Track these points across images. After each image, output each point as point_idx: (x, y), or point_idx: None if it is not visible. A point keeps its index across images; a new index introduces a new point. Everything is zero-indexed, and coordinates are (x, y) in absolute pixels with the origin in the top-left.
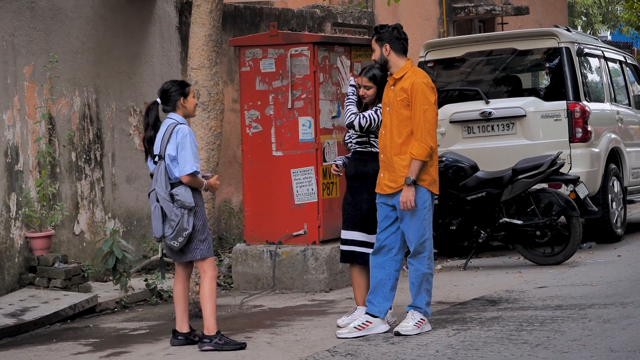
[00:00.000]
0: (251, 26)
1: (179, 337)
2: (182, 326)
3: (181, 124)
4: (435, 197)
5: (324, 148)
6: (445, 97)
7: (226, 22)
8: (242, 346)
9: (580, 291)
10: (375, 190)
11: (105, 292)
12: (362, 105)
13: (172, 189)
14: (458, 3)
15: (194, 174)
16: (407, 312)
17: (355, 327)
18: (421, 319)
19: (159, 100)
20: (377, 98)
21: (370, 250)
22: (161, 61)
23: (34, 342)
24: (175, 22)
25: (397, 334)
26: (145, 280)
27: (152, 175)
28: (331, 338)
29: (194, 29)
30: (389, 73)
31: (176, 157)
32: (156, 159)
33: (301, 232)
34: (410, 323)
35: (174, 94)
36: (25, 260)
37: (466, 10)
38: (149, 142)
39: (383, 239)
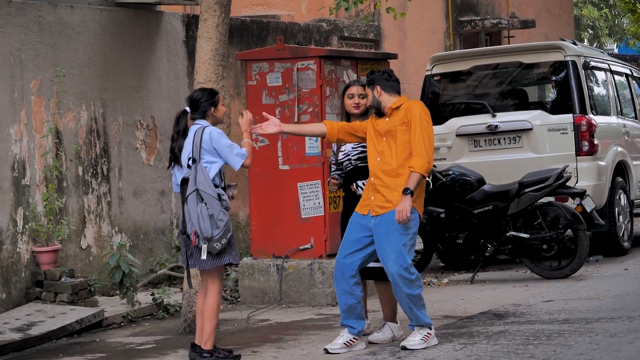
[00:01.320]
0: (258, 40)
1: (197, 350)
2: (201, 340)
3: (208, 127)
4: (440, 213)
5: (331, 162)
6: (451, 111)
7: (233, 36)
8: (237, 358)
9: (587, 305)
10: (357, 210)
11: (112, 306)
12: (361, 114)
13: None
14: (464, 16)
15: (245, 153)
16: (411, 329)
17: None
18: (428, 333)
19: (188, 108)
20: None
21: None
22: (168, 75)
23: (40, 356)
24: (182, 36)
25: (404, 348)
26: (152, 294)
27: (185, 181)
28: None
29: (200, 43)
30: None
31: (213, 158)
32: (190, 162)
33: (308, 246)
34: (417, 337)
35: (204, 104)
36: (32, 274)
37: (472, 23)
38: (179, 150)
39: (348, 263)
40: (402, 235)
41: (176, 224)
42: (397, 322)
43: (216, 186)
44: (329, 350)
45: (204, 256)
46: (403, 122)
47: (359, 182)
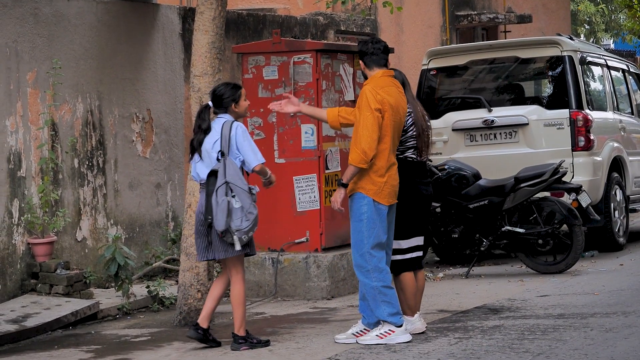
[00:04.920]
0: (254, 33)
1: (199, 331)
2: (205, 322)
3: (235, 121)
4: (436, 207)
5: (327, 155)
6: (447, 105)
7: (229, 29)
8: (268, 343)
9: (582, 300)
10: None
11: (107, 298)
12: None
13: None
14: (461, 11)
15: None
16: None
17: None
18: (390, 329)
19: (210, 103)
20: None
21: (400, 257)
22: (164, 68)
23: (35, 348)
24: (179, 29)
25: (357, 342)
26: (148, 287)
27: (212, 173)
28: (332, 346)
29: (197, 36)
30: None
31: (238, 153)
32: (219, 155)
33: (303, 239)
34: (372, 333)
35: (226, 100)
36: (27, 266)
37: (469, 18)
38: (198, 144)
39: None
40: (357, 222)
41: (171, 217)
42: (412, 315)
43: None
44: (336, 339)
45: (238, 247)
46: (357, 107)
47: None
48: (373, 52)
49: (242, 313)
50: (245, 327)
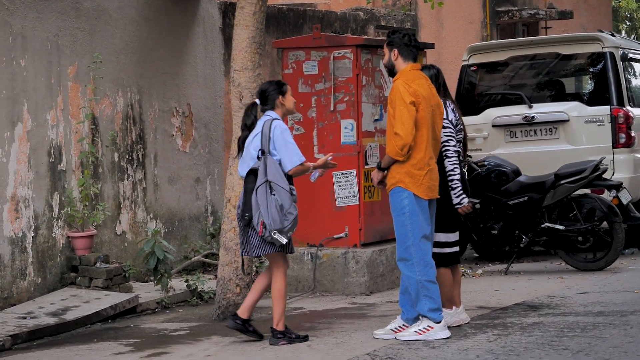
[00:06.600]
0: (294, 28)
1: (237, 321)
2: (245, 313)
3: (276, 119)
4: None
5: (366, 151)
6: (488, 101)
7: (269, 24)
8: (307, 338)
9: (622, 297)
10: None
11: (146, 292)
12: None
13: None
14: (502, 7)
15: (302, 164)
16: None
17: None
18: (428, 325)
19: (257, 101)
20: None
21: (439, 250)
22: (204, 62)
23: (74, 341)
24: (219, 24)
25: (396, 338)
26: (186, 281)
27: (253, 171)
28: (371, 341)
29: (237, 31)
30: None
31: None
32: (259, 154)
33: (342, 234)
34: (411, 329)
35: (272, 93)
36: (67, 259)
37: (510, 14)
38: (242, 142)
39: None
40: (399, 216)
41: (211, 211)
42: (451, 308)
43: None
44: (374, 335)
45: (284, 241)
46: (390, 101)
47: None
48: (409, 43)
49: (282, 308)
50: (284, 322)
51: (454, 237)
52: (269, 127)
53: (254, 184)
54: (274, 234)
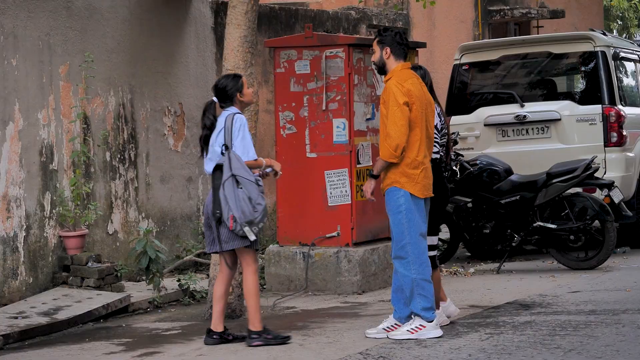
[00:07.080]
0: (286, 27)
1: (214, 337)
2: (218, 326)
3: (237, 113)
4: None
5: (358, 150)
6: (479, 100)
7: (261, 23)
8: (287, 339)
9: (614, 296)
10: None
11: (138, 292)
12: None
13: None
14: (494, 6)
15: (256, 160)
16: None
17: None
18: (420, 324)
19: (215, 99)
20: None
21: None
22: (196, 62)
23: (66, 341)
24: (211, 23)
25: (388, 337)
26: (178, 280)
27: (219, 167)
28: (363, 340)
29: (229, 30)
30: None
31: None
32: (223, 149)
33: (334, 234)
34: (403, 328)
35: (230, 90)
36: (59, 259)
37: (502, 13)
38: (204, 141)
39: None
40: (396, 214)
41: (202, 211)
42: (439, 308)
43: None
44: (367, 334)
45: (252, 237)
46: (383, 102)
47: None
48: (400, 42)
49: (255, 306)
50: (260, 321)
51: (436, 240)
52: (231, 121)
53: (221, 180)
54: (244, 227)
